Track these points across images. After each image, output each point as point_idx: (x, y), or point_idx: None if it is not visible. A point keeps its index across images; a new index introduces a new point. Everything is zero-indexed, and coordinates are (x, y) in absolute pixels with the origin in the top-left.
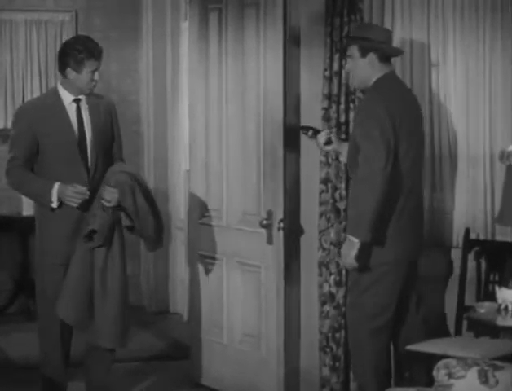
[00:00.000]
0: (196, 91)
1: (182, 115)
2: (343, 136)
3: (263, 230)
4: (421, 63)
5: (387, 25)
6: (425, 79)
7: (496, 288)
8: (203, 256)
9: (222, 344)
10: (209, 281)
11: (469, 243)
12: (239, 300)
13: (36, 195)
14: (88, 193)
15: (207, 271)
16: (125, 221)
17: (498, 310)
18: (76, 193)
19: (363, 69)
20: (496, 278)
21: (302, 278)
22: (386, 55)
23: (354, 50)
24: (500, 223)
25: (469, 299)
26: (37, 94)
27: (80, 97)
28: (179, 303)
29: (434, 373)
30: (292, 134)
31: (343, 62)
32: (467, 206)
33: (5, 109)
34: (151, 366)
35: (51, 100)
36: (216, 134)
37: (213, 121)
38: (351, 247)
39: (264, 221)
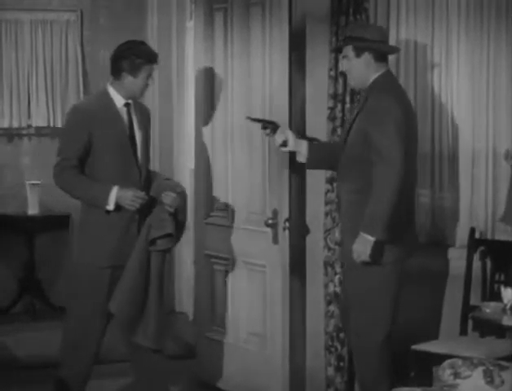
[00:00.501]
0: (201, 91)
1: (187, 114)
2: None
3: (269, 230)
4: (425, 63)
5: (392, 25)
6: (428, 78)
7: (502, 288)
8: (208, 255)
9: (228, 343)
10: (214, 280)
11: (474, 243)
12: (244, 300)
13: (92, 198)
14: (146, 197)
15: (212, 271)
16: (170, 229)
17: (504, 310)
18: (136, 197)
19: (359, 69)
20: (502, 277)
21: (308, 278)
22: (382, 54)
23: (349, 51)
24: (504, 222)
25: (474, 299)
26: (42, 94)
27: (129, 101)
28: (185, 302)
29: (440, 373)
30: (297, 133)
31: (339, 63)
32: (470, 205)
33: (10, 108)
34: (156, 365)
35: (104, 102)
36: (221, 133)
37: (218, 121)
38: (367, 244)
39: (270, 221)
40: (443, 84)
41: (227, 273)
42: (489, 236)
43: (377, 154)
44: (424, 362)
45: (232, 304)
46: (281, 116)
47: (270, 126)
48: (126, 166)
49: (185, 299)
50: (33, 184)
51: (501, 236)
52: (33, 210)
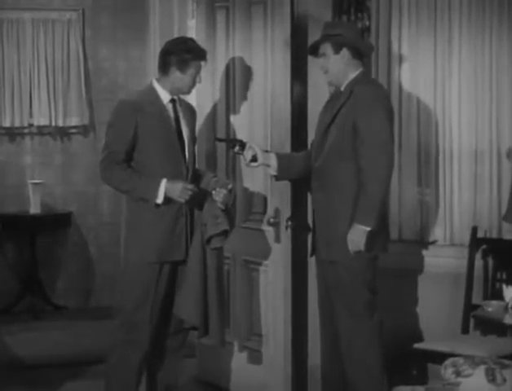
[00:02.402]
0: (203, 90)
1: None
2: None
3: (271, 229)
4: (428, 61)
5: (394, 24)
6: (431, 76)
7: (504, 287)
8: None
9: (229, 342)
10: None
11: (476, 242)
12: (246, 299)
13: (141, 191)
14: (196, 189)
15: None
16: (225, 225)
17: (505, 309)
18: (186, 189)
19: (337, 66)
20: (504, 276)
21: (310, 277)
22: (359, 53)
23: (327, 48)
24: (507, 221)
25: (476, 297)
26: (44, 93)
27: (175, 97)
28: None
29: (442, 371)
30: (299, 132)
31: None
32: (473, 203)
33: (12, 107)
34: None
35: (151, 97)
36: (223, 133)
37: (220, 119)
38: (362, 235)
39: (272, 220)
40: (446, 82)
41: (228, 272)
42: (494, 235)
43: (367, 141)
44: (426, 361)
45: (234, 303)
46: (283, 114)
47: (237, 144)
48: (173, 162)
49: None
50: (35, 183)
51: (507, 235)
52: (34, 209)
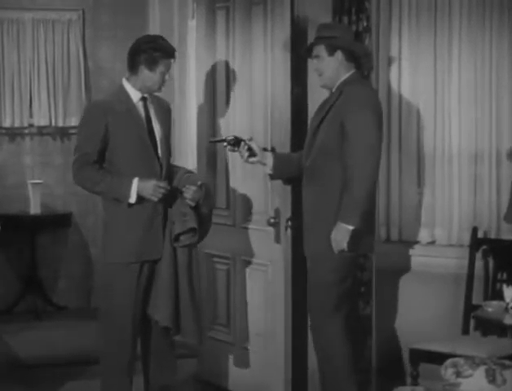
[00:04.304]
0: (203, 90)
1: (189, 113)
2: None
3: (271, 229)
4: (428, 62)
5: (394, 24)
6: (431, 77)
7: (504, 287)
8: (210, 254)
9: (230, 342)
10: (216, 280)
11: (476, 242)
12: (246, 299)
13: (114, 192)
14: (169, 187)
15: (215, 270)
16: (193, 223)
17: (506, 309)
18: (158, 187)
19: (331, 68)
20: (504, 276)
21: None
22: (352, 55)
23: (321, 50)
24: (507, 221)
25: (476, 298)
26: (44, 93)
27: (146, 95)
28: None
29: (442, 372)
30: (299, 132)
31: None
32: (472, 204)
33: (12, 108)
34: None
35: (121, 97)
36: (223, 133)
37: (220, 120)
38: (345, 234)
39: (272, 220)
40: (446, 83)
41: (229, 272)
42: (494, 236)
43: (354, 141)
44: (426, 361)
45: (234, 303)
46: (283, 113)
47: (232, 142)
48: (146, 160)
49: None
50: (35, 183)
51: (507, 236)
52: (35, 209)
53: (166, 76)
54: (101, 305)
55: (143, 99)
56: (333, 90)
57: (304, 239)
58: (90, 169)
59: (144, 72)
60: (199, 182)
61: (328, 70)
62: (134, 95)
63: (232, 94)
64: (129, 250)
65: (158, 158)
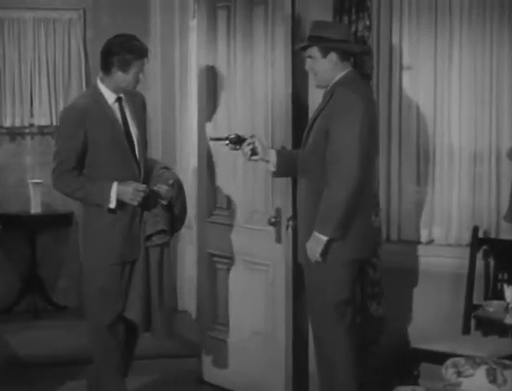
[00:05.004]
0: (204, 89)
1: (190, 113)
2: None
3: (272, 229)
4: (428, 61)
5: (395, 23)
6: (431, 76)
7: (505, 287)
8: (211, 254)
9: (230, 342)
10: (217, 279)
11: (477, 242)
12: (247, 299)
13: (94, 198)
14: (147, 190)
15: (215, 269)
16: (162, 225)
17: (506, 309)
18: (138, 191)
19: (325, 69)
20: (505, 276)
21: None
22: (347, 54)
23: (314, 51)
24: (507, 221)
25: (477, 297)
26: (45, 93)
27: (121, 95)
28: (187, 301)
29: (443, 371)
30: (300, 130)
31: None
32: (472, 203)
33: (13, 107)
34: (159, 364)
35: (95, 99)
36: (224, 132)
37: (221, 119)
38: (319, 243)
39: (273, 220)
40: (446, 83)
41: (229, 272)
42: (493, 235)
43: (335, 151)
44: (427, 361)
45: (235, 303)
46: (284, 113)
47: (234, 140)
48: (124, 163)
49: (188, 298)
50: (36, 183)
51: (507, 235)
52: (35, 209)
53: (140, 76)
54: (86, 307)
55: (119, 100)
56: (328, 89)
57: (298, 247)
58: (69, 176)
59: (118, 73)
60: (170, 181)
61: (321, 71)
62: (109, 97)
63: (233, 93)
64: (111, 252)
65: (136, 159)
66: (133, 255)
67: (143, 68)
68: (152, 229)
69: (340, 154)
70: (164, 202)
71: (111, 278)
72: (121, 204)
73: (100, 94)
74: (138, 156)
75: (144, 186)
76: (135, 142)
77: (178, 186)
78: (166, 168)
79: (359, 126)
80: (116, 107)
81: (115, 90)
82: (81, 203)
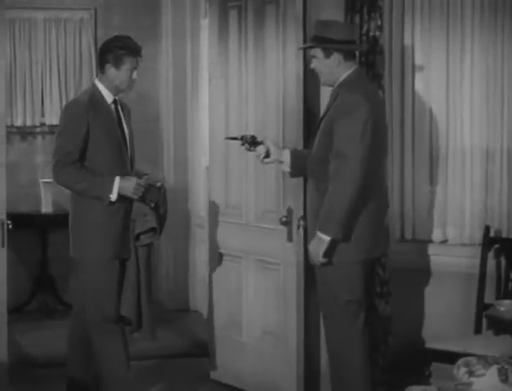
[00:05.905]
0: (215, 89)
1: (202, 112)
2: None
3: (283, 228)
4: (440, 60)
5: (407, 24)
6: (443, 75)
7: None
8: (223, 253)
9: (242, 341)
10: (228, 279)
11: (488, 241)
12: (259, 298)
13: (96, 190)
14: (147, 186)
15: (227, 269)
16: (153, 223)
17: None
18: (139, 185)
19: (329, 69)
20: None
21: None
22: (351, 53)
23: (317, 52)
24: None
25: (488, 297)
26: (56, 92)
27: (116, 98)
28: (199, 301)
29: (455, 371)
30: (312, 131)
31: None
32: (484, 203)
33: (24, 107)
34: (170, 363)
35: (97, 97)
36: (236, 131)
37: (233, 118)
38: (321, 244)
39: (284, 219)
40: (458, 82)
41: (241, 271)
42: (505, 235)
43: (337, 152)
44: (438, 361)
45: (247, 302)
46: (296, 113)
47: (250, 140)
48: (122, 160)
49: (199, 297)
50: (47, 182)
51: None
52: (46, 208)
53: (134, 75)
54: (84, 303)
55: (114, 102)
56: (334, 89)
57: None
58: (72, 167)
59: (111, 70)
60: (158, 183)
61: (326, 71)
62: (108, 97)
63: (245, 92)
64: (108, 247)
65: (129, 157)
66: (126, 252)
67: (135, 66)
68: (142, 227)
69: (342, 154)
70: (151, 204)
71: (109, 272)
72: (120, 198)
73: (99, 93)
74: (129, 157)
75: (143, 181)
76: (128, 142)
77: (163, 190)
78: (146, 174)
79: (362, 127)
80: (113, 107)
81: (111, 90)
82: (77, 196)
